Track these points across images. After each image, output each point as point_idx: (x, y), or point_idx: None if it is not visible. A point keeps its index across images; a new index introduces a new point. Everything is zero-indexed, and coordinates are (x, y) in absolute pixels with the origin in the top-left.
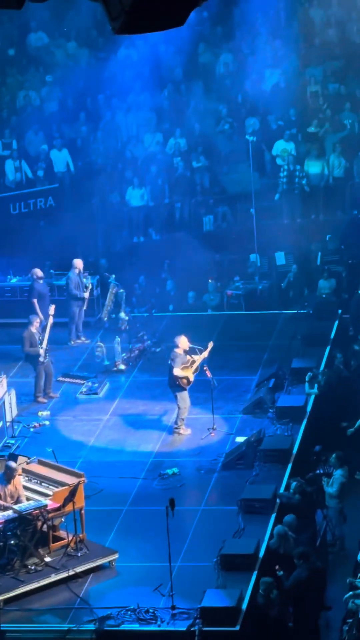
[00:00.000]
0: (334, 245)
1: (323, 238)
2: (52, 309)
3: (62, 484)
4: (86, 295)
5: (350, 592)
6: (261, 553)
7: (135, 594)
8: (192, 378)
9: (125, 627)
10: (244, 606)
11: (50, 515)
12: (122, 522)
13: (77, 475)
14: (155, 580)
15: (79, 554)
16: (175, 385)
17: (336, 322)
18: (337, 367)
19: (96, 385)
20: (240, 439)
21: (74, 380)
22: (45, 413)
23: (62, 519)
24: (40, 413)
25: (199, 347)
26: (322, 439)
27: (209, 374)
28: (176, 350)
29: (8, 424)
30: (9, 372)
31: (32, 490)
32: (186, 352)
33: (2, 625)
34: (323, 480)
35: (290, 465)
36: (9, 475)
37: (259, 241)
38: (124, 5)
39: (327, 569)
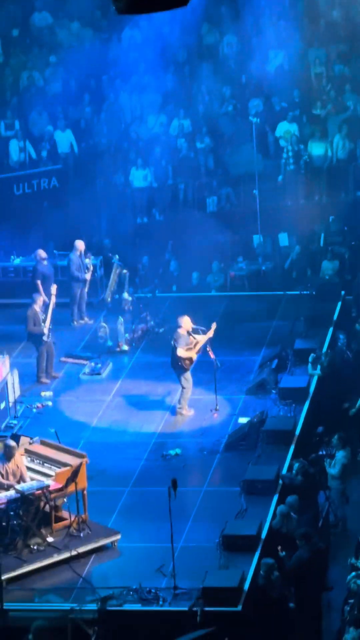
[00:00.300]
0: (337, 227)
1: (326, 219)
2: (53, 289)
3: (64, 464)
4: (87, 276)
5: (353, 573)
6: (263, 534)
7: (137, 574)
8: (195, 358)
9: (127, 607)
10: (246, 587)
11: (52, 495)
12: (124, 503)
13: (80, 456)
14: (157, 561)
15: (82, 535)
16: (178, 366)
17: (339, 304)
18: (340, 348)
19: (99, 365)
20: (243, 420)
21: (77, 361)
22: (48, 393)
23: (65, 500)
24: (42, 393)
25: (202, 328)
26: (325, 420)
27: (212, 354)
28: (179, 330)
29: (11, 404)
30: (11, 353)
31: (35, 470)
32: (189, 333)
33: (5, 604)
34: (325, 462)
35: (292, 447)
36: (9, 453)
37: (263, 222)
38: None
39: (329, 549)
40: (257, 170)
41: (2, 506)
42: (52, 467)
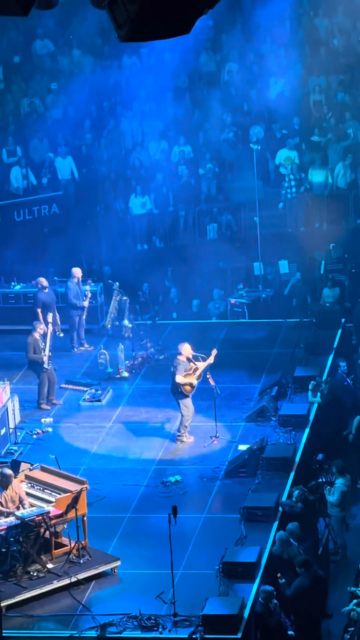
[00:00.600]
0: (337, 254)
1: (327, 247)
2: (50, 317)
3: (64, 490)
4: (85, 304)
5: (355, 601)
6: (263, 561)
7: (137, 601)
8: (195, 384)
9: (127, 634)
10: (246, 614)
11: (52, 521)
12: (124, 529)
13: (80, 482)
14: (157, 588)
15: (81, 561)
16: (178, 392)
17: (339, 331)
18: (340, 375)
19: (99, 392)
20: (243, 447)
21: (77, 388)
22: (48, 420)
23: (65, 526)
24: (43, 420)
25: (202, 355)
26: (325, 447)
27: (212, 381)
28: (179, 357)
29: (11, 430)
30: (12, 379)
31: (35, 496)
32: (189, 360)
33: (4, 631)
34: (325, 489)
35: (292, 474)
36: (5, 482)
37: (263, 249)
38: (130, 13)
39: (328, 577)
40: (257, 197)
41: (2, 533)
42: (53, 493)
